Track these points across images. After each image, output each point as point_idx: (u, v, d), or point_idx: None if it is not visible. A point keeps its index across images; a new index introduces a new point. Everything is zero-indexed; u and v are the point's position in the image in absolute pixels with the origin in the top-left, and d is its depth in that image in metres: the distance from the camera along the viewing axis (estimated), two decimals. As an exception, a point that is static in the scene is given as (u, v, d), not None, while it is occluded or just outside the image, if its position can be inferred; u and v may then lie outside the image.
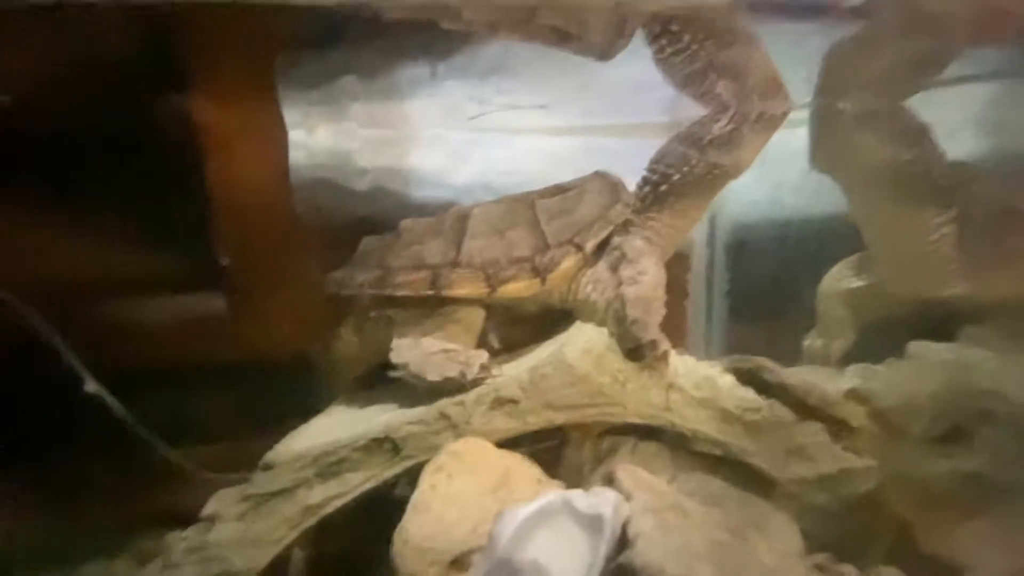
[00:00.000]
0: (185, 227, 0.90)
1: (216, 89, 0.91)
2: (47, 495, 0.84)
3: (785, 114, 0.73)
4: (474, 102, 1.00)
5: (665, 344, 0.64)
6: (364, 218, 1.02)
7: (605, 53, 0.75)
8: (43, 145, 0.82)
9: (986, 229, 0.80)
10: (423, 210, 0.86)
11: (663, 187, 0.72)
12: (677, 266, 0.86)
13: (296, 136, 0.97)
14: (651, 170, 0.74)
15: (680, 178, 0.71)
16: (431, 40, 0.99)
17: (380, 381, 0.69)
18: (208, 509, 0.61)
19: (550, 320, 0.73)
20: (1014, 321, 0.77)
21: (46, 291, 0.83)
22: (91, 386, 0.81)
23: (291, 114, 0.97)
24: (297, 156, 0.98)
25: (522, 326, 0.74)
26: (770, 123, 0.72)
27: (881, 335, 0.94)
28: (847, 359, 0.95)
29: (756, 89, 0.72)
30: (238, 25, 0.90)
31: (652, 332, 0.63)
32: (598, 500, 0.46)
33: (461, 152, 1.07)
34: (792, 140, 1.12)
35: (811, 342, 1.00)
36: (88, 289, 0.88)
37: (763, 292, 1.08)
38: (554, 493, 0.48)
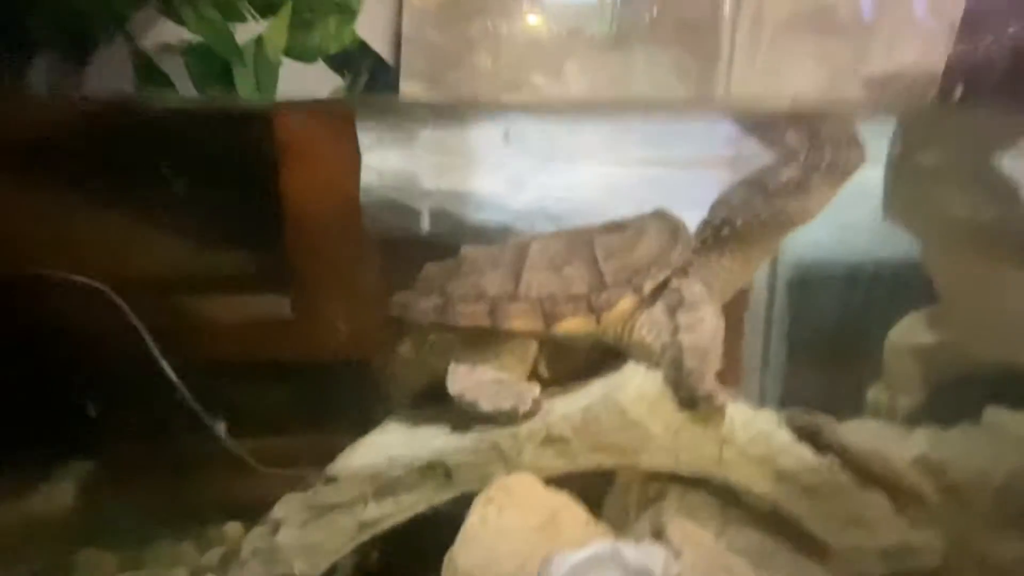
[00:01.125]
0: (264, 236, 0.96)
1: (300, 114, 0.97)
2: (120, 475, 0.93)
3: (859, 165, 0.71)
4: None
5: (722, 397, 0.64)
6: (425, 238, 1.06)
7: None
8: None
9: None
10: (480, 232, 0.89)
11: (724, 231, 0.73)
12: (734, 304, 0.85)
13: (368, 159, 1.02)
14: (713, 213, 0.74)
15: (743, 224, 0.72)
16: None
17: (434, 400, 0.72)
18: (276, 513, 0.66)
19: (600, 354, 0.74)
20: None
21: (135, 284, 0.90)
22: (172, 379, 0.87)
23: (365, 138, 1.02)
24: (368, 178, 1.02)
25: (573, 358, 0.76)
26: (842, 174, 0.72)
27: (953, 396, 0.92)
28: (913, 417, 0.94)
29: (829, 139, 0.71)
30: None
31: (708, 384, 0.63)
32: (648, 554, 0.46)
33: (520, 178, 1.09)
34: (864, 178, 1.10)
35: (876, 395, 0.99)
36: (173, 285, 0.94)
37: (825, 336, 1.07)
38: (605, 542, 0.47)
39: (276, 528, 0.66)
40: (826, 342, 1.06)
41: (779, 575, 0.60)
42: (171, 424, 0.93)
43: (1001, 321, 0.81)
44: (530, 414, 0.65)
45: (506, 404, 0.65)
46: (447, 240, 0.94)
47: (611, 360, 0.72)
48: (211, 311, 1.00)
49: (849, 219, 1.09)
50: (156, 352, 0.90)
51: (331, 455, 0.73)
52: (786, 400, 1.10)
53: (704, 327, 0.67)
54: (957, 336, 0.88)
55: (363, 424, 0.78)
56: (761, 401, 1.14)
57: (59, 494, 0.88)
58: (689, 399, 0.64)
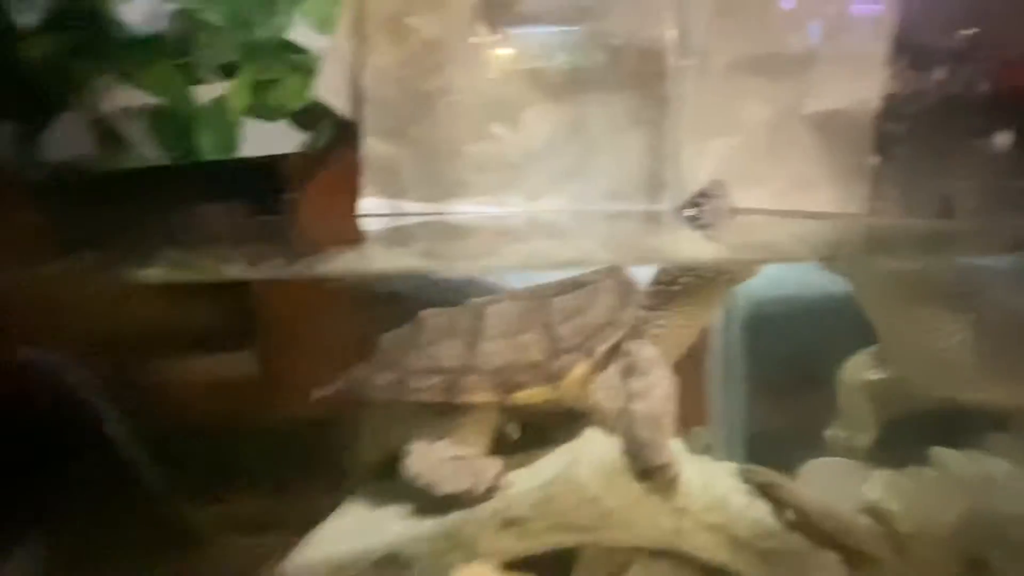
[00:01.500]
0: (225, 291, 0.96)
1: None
2: (65, 552, 0.88)
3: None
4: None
5: (675, 468, 0.65)
6: (392, 292, 1.06)
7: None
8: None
9: (1005, 335, 0.79)
10: (446, 288, 0.89)
11: (675, 287, 0.75)
12: (695, 346, 0.87)
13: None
14: (663, 270, 0.76)
15: (692, 279, 0.74)
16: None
17: (395, 476, 0.71)
18: None
19: (572, 413, 0.75)
20: None
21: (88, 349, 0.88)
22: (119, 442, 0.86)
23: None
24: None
25: (543, 419, 0.76)
26: None
27: (903, 435, 0.94)
28: (871, 455, 0.96)
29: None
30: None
31: (662, 455, 0.64)
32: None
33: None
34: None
35: (834, 433, 1.01)
36: (130, 346, 0.94)
37: (784, 374, 1.10)
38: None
39: None
40: (786, 380, 1.09)
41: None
42: (127, 496, 0.91)
43: (935, 362, 0.84)
44: (490, 493, 0.65)
45: (463, 485, 0.65)
46: (414, 294, 0.94)
47: (582, 423, 0.73)
48: (171, 372, 0.99)
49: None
50: (107, 416, 0.88)
51: (299, 523, 0.72)
52: (750, 440, 1.12)
53: (656, 393, 0.68)
54: (899, 374, 0.91)
55: (329, 492, 0.78)
56: (726, 442, 1.18)
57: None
58: (644, 471, 0.65)
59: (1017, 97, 0.78)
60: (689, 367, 0.81)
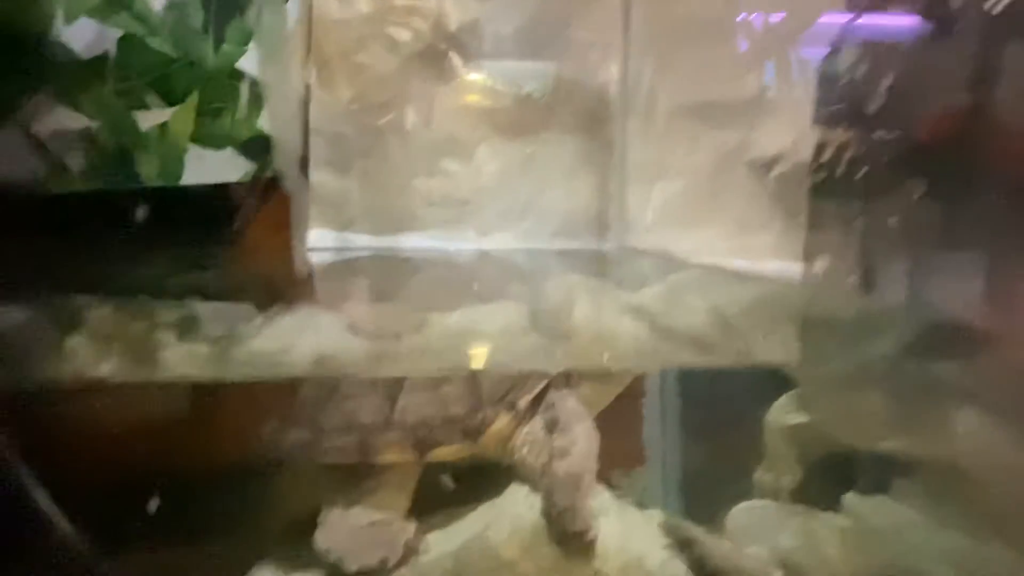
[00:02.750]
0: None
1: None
2: None
3: None
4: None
5: (592, 532, 0.64)
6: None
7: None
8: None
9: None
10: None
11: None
12: (632, 389, 0.88)
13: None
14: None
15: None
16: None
17: (310, 540, 0.68)
18: None
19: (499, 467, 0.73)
20: (940, 480, 0.78)
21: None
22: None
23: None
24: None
25: (471, 471, 0.75)
26: None
27: (826, 474, 0.96)
28: (797, 496, 0.97)
29: None
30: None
31: (580, 521, 0.64)
32: None
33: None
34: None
35: (760, 475, 1.02)
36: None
37: (717, 418, 1.12)
38: None
39: None
40: (719, 423, 1.10)
41: None
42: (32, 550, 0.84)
43: (854, 408, 0.87)
44: (402, 563, 0.64)
45: (374, 559, 0.63)
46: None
47: (506, 472, 0.72)
48: (94, 413, 0.93)
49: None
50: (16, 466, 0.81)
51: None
52: (685, 480, 1.13)
53: (577, 450, 0.67)
54: (815, 418, 0.94)
55: (243, 553, 0.74)
56: (662, 482, 1.18)
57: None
58: (561, 535, 0.64)
59: (938, 147, 0.83)
60: (626, 408, 0.81)
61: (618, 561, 0.65)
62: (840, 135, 0.88)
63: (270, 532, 0.77)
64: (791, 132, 0.93)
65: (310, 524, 0.69)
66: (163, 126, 0.93)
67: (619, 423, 0.74)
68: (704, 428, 1.15)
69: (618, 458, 0.73)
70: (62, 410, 0.85)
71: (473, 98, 1.02)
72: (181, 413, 0.94)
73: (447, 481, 0.77)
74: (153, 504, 0.85)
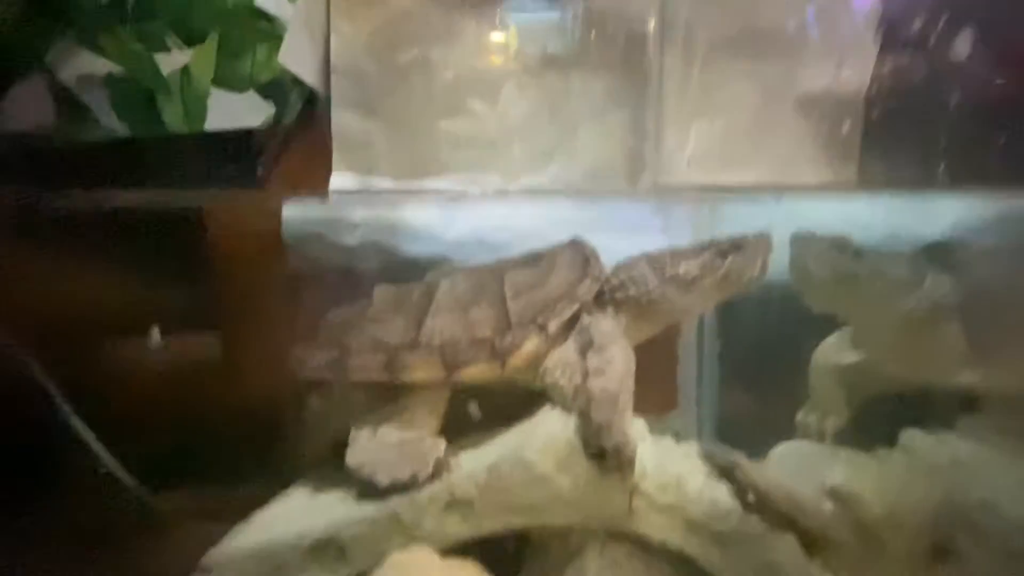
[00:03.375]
0: (179, 273, 0.93)
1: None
2: (25, 539, 0.84)
3: (753, 283, 0.74)
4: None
5: (630, 449, 0.62)
6: (354, 272, 1.03)
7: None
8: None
9: (990, 314, 0.78)
10: (414, 264, 0.87)
11: (618, 295, 0.73)
12: (668, 330, 0.86)
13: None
14: (614, 274, 0.75)
15: (634, 295, 0.73)
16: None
17: (343, 462, 0.68)
18: None
19: (531, 392, 0.72)
20: (1012, 415, 0.75)
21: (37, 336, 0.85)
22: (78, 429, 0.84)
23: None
24: (290, 211, 1.00)
25: (505, 396, 0.74)
26: (733, 285, 0.74)
27: (878, 414, 0.92)
28: (841, 438, 0.94)
29: (738, 249, 0.73)
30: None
31: (617, 436, 0.62)
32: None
33: (453, 207, 1.08)
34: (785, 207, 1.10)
35: (804, 416, 0.98)
36: (79, 332, 0.90)
37: (757, 359, 1.08)
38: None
39: None
40: (758, 365, 1.07)
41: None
42: (81, 480, 0.87)
43: (912, 345, 0.82)
44: (433, 478, 0.63)
45: (404, 474, 0.62)
46: (377, 275, 0.91)
47: (538, 399, 0.70)
48: (129, 357, 0.94)
49: (780, 238, 1.11)
50: (62, 403, 0.85)
51: (245, 510, 0.69)
52: (721, 424, 1.11)
53: (613, 369, 0.65)
54: (873, 356, 0.89)
55: (277, 479, 0.75)
56: (697, 425, 1.16)
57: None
58: (598, 451, 0.63)
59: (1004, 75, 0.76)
60: (661, 350, 0.79)
61: (656, 480, 0.63)
62: (898, 65, 0.82)
63: (304, 457, 0.77)
64: (843, 63, 0.86)
65: (342, 445, 0.69)
66: (185, 70, 0.91)
67: (652, 365, 0.71)
68: (743, 369, 1.10)
69: (650, 402, 0.71)
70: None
71: (500, 35, 0.97)
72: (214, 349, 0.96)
73: (475, 409, 0.76)
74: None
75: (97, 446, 0.85)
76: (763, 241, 0.74)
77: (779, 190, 0.90)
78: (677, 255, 0.73)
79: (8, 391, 0.81)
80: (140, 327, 0.94)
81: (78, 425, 0.84)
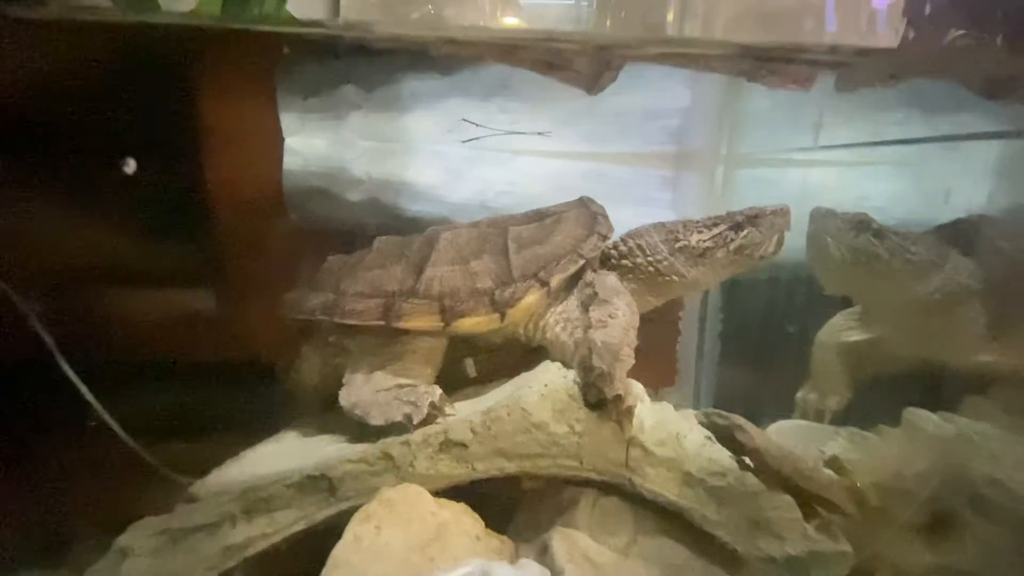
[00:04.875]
0: (177, 224, 0.90)
1: (215, 89, 0.90)
2: (10, 487, 0.81)
3: (766, 257, 0.69)
4: (472, 124, 0.98)
5: (631, 398, 0.60)
6: (356, 229, 1.01)
7: (592, 85, 0.72)
8: (53, 140, 0.82)
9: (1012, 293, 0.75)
10: (416, 224, 0.84)
11: (625, 261, 0.70)
12: (670, 304, 0.83)
13: (292, 142, 0.97)
14: (624, 239, 0.72)
15: (642, 263, 0.69)
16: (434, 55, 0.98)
17: (337, 406, 0.66)
18: (122, 540, 0.57)
19: (533, 348, 0.69)
20: (1021, 395, 0.72)
21: (35, 283, 0.83)
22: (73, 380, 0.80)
23: (288, 120, 0.97)
24: (292, 163, 0.97)
25: (503, 354, 0.71)
26: (746, 259, 0.70)
27: (877, 396, 0.89)
28: (840, 418, 0.90)
29: (755, 223, 0.68)
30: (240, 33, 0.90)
31: (617, 385, 0.59)
32: (522, 574, 0.43)
33: (459, 169, 1.05)
34: (797, 180, 1.08)
35: (804, 395, 0.95)
36: (81, 281, 0.87)
37: (758, 335, 1.04)
38: (475, 562, 0.44)
39: (122, 558, 0.57)
40: (760, 341, 1.04)
41: (689, 586, 0.56)
42: (72, 430, 0.84)
43: (928, 326, 0.79)
44: (427, 422, 0.60)
45: (397, 416, 0.60)
46: (378, 233, 0.89)
47: (537, 355, 0.67)
48: (124, 307, 0.90)
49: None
50: (55, 351, 0.82)
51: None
52: (718, 402, 1.08)
53: (616, 323, 0.62)
54: (883, 337, 0.85)
55: (276, 428, 0.72)
56: (696, 400, 1.14)
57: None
58: (597, 400, 0.60)
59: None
60: (662, 324, 0.76)
61: (654, 436, 0.60)
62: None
63: (298, 401, 0.74)
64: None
65: (335, 394, 0.66)
66: (193, 13, 0.87)
67: (652, 339, 0.68)
68: (743, 347, 1.06)
69: (647, 377, 0.68)
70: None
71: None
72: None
73: (471, 367, 0.73)
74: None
75: (89, 395, 0.82)
76: (782, 214, 0.69)
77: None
78: (691, 225, 0.70)
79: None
80: (137, 275, 0.91)
81: (70, 373, 0.81)
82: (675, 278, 0.69)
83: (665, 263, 0.68)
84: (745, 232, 0.68)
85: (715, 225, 0.68)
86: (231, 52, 0.88)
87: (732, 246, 0.68)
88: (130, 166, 0.79)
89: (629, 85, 0.87)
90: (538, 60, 0.65)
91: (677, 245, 0.68)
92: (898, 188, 0.99)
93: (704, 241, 0.68)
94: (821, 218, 0.80)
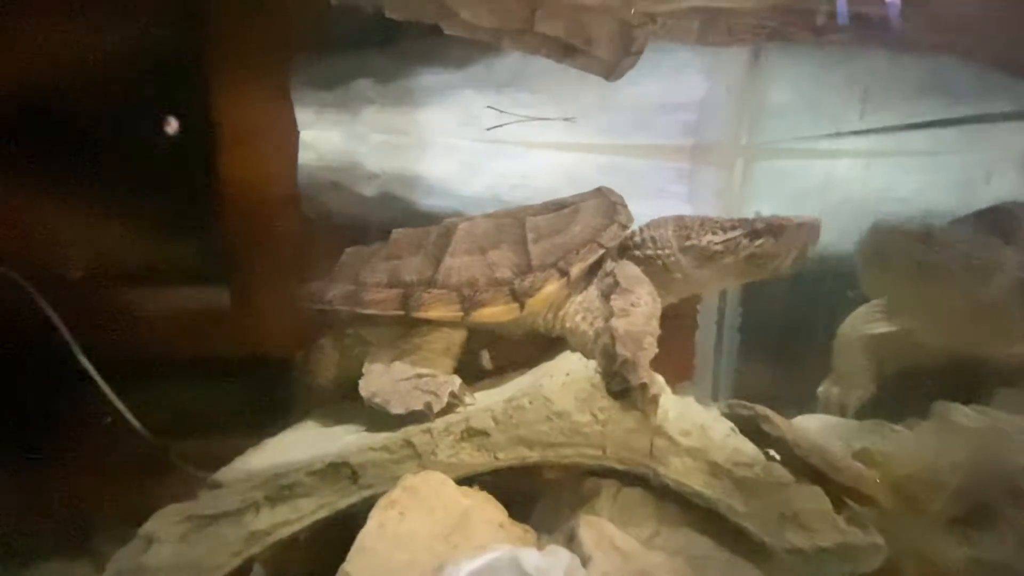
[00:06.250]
0: (192, 219, 0.90)
1: (230, 84, 0.90)
2: (28, 481, 0.81)
3: (779, 271, 0.66)
4: (492, 112, 0.97)
5: (655, 387, 0.58)
6: (370, 224, 1.00)
7: (611, 70, 0.71)
8: (57, 130, 0.82)
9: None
10: (430, 219, 0.83)
11: (637, 252, 0.68)
12: (688, 299, 0.82)
13: (307, 136, 0.96)
14: (639, 230, 0.70)
15: (651, 255, 0.67)
16: (448, 47, 0.97)
17: (356, 397, 0.65)
18: (147, 527, 0.57)
19: (551, 341, 0.68)
20: None
21: (52, 275, 0.82)
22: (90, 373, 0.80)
23: (303, 114, 0.96)
24: (307, 157, 0.97)
25: (520, 347, 0.70)
26: (755, 269, 0.66)
27: (903, 389, 0.86)
28: (864, 412, 0.89)
29: (774, 234, 0.64)
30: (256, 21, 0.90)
31: (641, 373, 0.58)
32: (550, 561, 0.42)
33: (474, 162, 1.04)
34: (819, 172, 1.07)
35: (826, 389, 0.93)
36: (96, 277, 0.87)
37: (777, 330, 1.01)
38: (503, 548, 0.43)
39: (148, 545, 0.57)
40: (779, 336, 1.02)
41: (714, 578, 0.55)
42: (88, 424, 0.84)
43: (948, 315, 0.78)
44: (447, 411, 0.59)
45: (417, 404, 0.59)
46: (392, 227, 0.89)
47: (559, 352, 0.66)
48: (139, 303, 0.89)
49: (803, 212, 1.07)
50: (72, 344, 0.82)
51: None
52: (738, 395, 1.06)
53: (638, 311, 0.61)
54: (906, 326, 0.84)
55: (289, 418, 0.72)
56: (713, 396, 1.12)
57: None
58: (621, 389, 0.59)
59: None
60: (680, 317, 0.75)
61: (679, 426, 0.59)
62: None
63: (317, 393, 0.74)
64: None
65: (354, 385, 0.65)
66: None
67: (669, 332, 0.65)
68: (763, 341, 1.03)
69: (664, 371, 0.65)
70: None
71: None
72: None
73: (487, 360, 0.72)
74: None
75: (108, 391, 0.82)
76: (808, 229, 0.65)
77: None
78: (708, 224, 0.67)
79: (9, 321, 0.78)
80: (152, 273, 0.91)
81: (90, 370, 0.81)
82: (678, 276, 0.66)
83: (672, 259, 0.66)
84: (761, 241, 0.64)
85: (733, 228, 0.65)
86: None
87: (743, 253, 0.64)
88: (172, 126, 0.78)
89: (646, 74, 0.86)
90: (556, 44, 0.64)
91: (687, 243, 0.66)
92: (923, 179, 0.98)
93: (715, 244, 0.65)
94: (882, 234, 0.77)
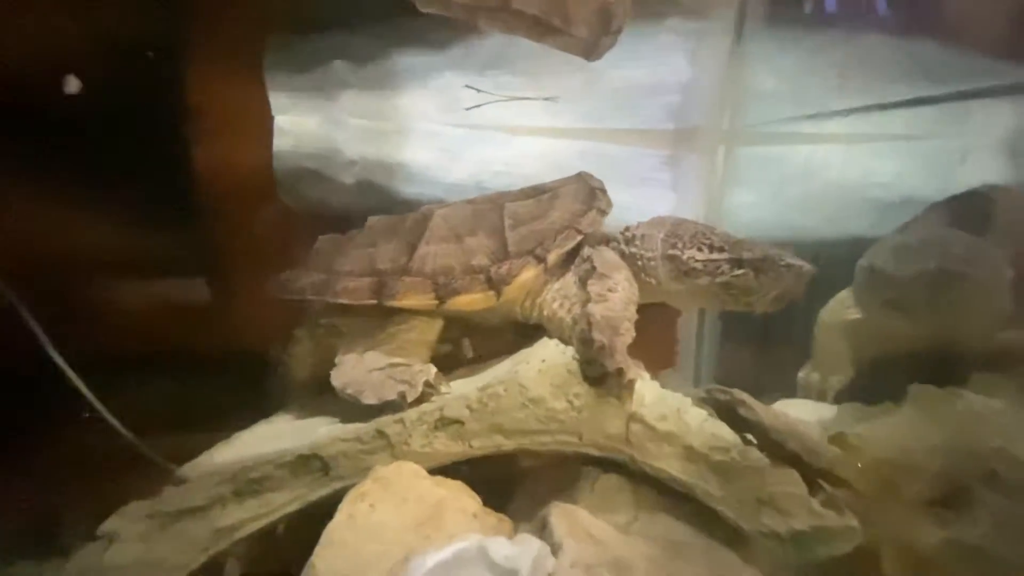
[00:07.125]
0: (162, 208, 0.87)
1: (200, 67, 0.88)
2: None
3: (755, 309, 0.64)
4: (471, 92, 0.95)
5: (632, 372, 0.58)
6: (349, 212, 0.98)
7: (591, 50, 0.70)
8: (23, 116, 0.79)
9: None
10: (411, 207, 0.82)
11: (623, 247, 0.67)
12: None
13: (282, 122, 0.94)
14: (627, 228, 0.68)
15: (635, 253, 0.65)
16: (428, 28, 0.95)
17: (330, 389, 0.64)
18: (107, 525, 0.55)
19: (530, 328, 0.67)
20: None
21: (23, 270, 0.80)
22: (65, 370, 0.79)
23: (277, 98, 0.94)
24: (282, 143, 0.94)
25: (500, 335, 0.69)
26: (731, 298, 0.64)
27: (880, 373, 0.87)
28: (842, 397, 0.89)
29: (758, 269, 0.62)
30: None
31: (618, 359, 0.57)
32: (519, 551, 0.41)
33: (455, 149, 1.03)
34: (800, 157, 1.07)
35: (806, 374, 0.93)
36: (66, 268, 0.85)
37: (759, 316, 1.05)
38: (471, 539, 0.42)
39: (108, 544, 0.55)
40: (760, 321, 1.03)
41: (690, 563, 0.54)
42: (60, 421, 0.82)
43: (962, 314, 0.77)
44: (421, 400, 0.58)
45: (391, 394, 0.58)
46: (372, 216, 0.87)
47: (534, 335, 0.65)
48: (109, 290, 0.87)
49: (787, 196, 1.07)
50: (45, 341, 0.80)
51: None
52: (720, 382, 1.06)
53: (615, 297, 0.60)
54: (895, 313, 0.82)
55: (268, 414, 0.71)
56: (696, 382, 1.12)
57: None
58: (597, 375, 0.58)
59: None
60: (662, 305, 0.74)
61: (655, 411, 0.59)
62: None
63: (295, 383, 0.73)
64: None
65: (327, 377, 0.64)
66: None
67: (652, 320, 0.65)
68: (744, 328, 1.00)
69: (647, 359, 0.66)
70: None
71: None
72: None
73: (468, 347, 0.71)
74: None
75: (82, 386, 0.80)
76: (795, 274, 0.62)
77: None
78: (699, 238, 0.64)
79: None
80: (122, 258, 0.88)
81: (63, 365, 0.79)
82: (652, 281, 0.64)
83: (652, 264, 0.64)
84: (740, 272, 0.61)
85: (720, 250, 0.62)
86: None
87: (719, 280, 0.62)
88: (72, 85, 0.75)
89: (628, 58, 0.85)
90: (533, 23, 0.63)
91: (671, 251, 0.63)
92: (904, 164, 0.97)
93: (695, 260, 0.62)
94: (895, 285, 0.76)
